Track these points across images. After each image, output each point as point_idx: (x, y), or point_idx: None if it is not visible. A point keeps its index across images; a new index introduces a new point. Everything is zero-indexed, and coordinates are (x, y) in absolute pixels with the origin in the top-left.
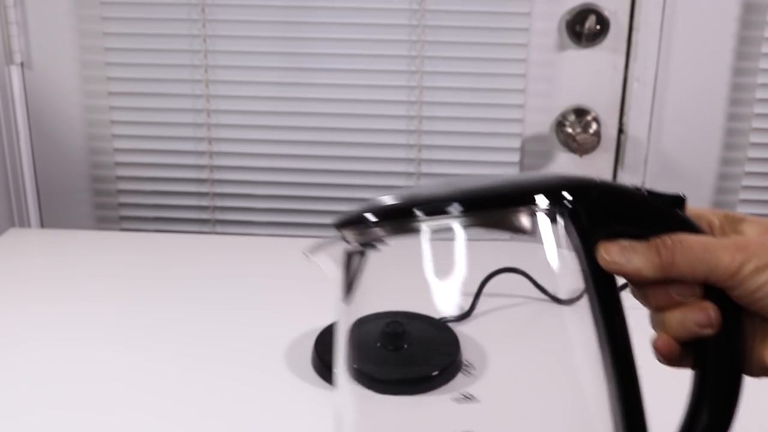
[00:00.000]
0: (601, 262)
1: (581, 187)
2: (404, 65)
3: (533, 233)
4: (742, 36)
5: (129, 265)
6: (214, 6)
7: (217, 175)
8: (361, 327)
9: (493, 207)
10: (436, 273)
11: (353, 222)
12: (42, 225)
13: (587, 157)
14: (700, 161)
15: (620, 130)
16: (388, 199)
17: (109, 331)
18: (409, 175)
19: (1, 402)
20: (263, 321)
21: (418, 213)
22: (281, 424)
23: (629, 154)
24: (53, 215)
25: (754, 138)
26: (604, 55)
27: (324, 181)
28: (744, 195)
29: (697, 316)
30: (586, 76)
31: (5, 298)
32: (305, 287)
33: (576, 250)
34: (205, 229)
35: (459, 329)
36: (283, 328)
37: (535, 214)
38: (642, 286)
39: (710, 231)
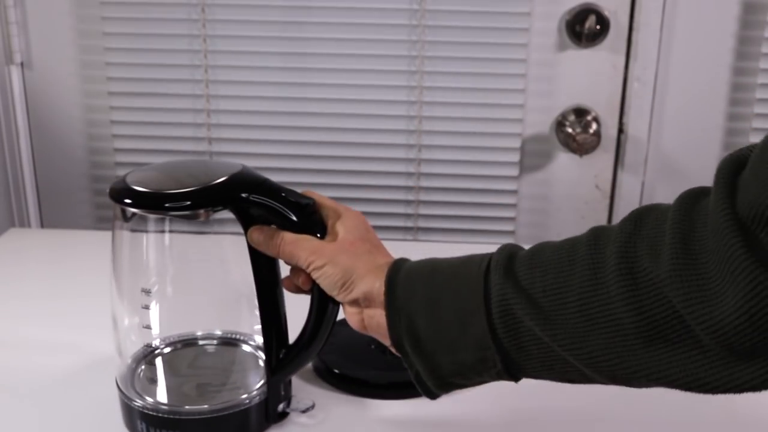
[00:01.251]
0: (249, 240)
1: (247, 189)
2: (404, 65)
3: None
4: (742, 36)
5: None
6: (214, 6)
7: None
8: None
9: (189, 209)
10: None
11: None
12: (42, 225)
13: (587, 157)
14: (700, 161)
15: (620, 130)
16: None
17: (110, 331)
18: (409, 175)
19: (1, 402)
20: None
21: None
22: (281, 425)
23: (629, 154)
24: (53, 215)
25: (754, 138)
26: (604, 55)
27: (324, 181)
28: None
29: (294, 278)
30: (586, 76)
31: (5, 298)
32: None
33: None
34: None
35: None
36: None
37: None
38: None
39: (332, 222)
